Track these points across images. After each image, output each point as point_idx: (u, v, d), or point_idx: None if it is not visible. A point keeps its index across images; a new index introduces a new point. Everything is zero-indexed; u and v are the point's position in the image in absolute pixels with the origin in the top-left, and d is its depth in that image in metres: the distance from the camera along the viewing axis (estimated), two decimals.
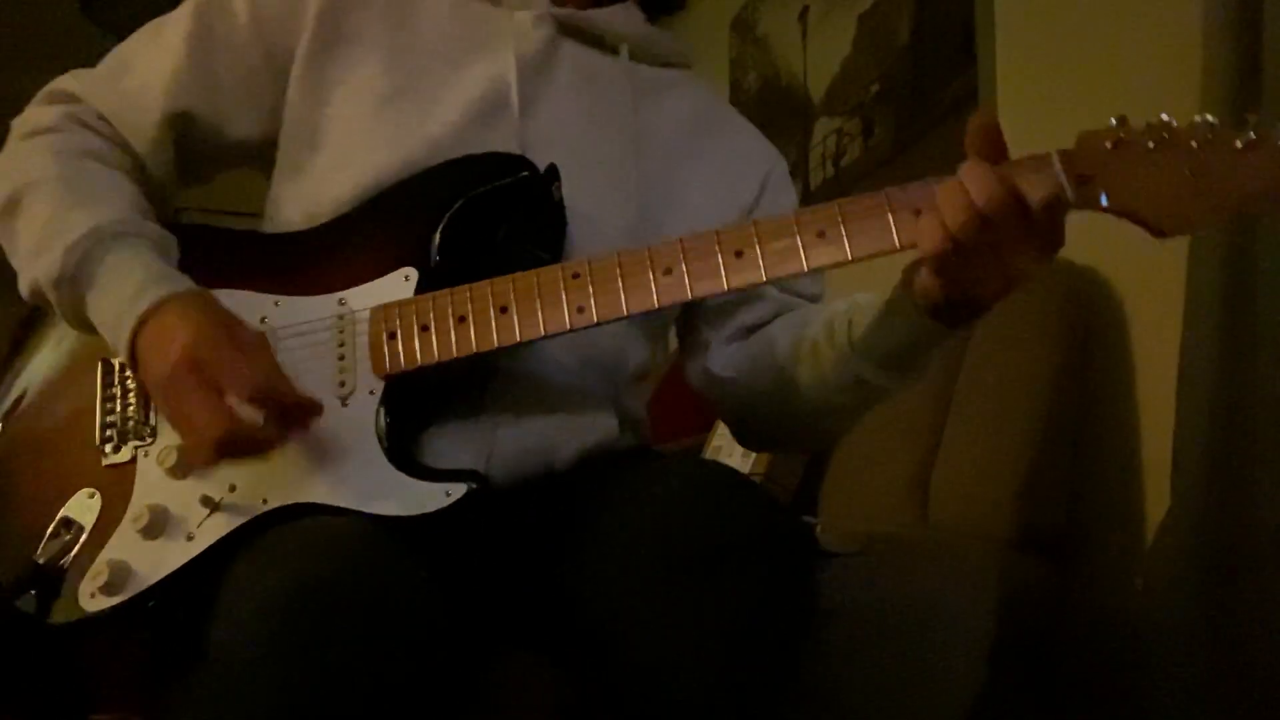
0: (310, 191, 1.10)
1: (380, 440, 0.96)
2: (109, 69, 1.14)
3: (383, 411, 0.97)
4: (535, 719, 1.03)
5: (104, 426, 1.04)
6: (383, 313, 1.00)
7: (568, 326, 0.95)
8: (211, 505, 0.95)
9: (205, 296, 0.98)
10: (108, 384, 1.06)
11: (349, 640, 0.79)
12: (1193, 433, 1.49)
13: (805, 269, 0.92)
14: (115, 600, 0.95)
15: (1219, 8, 1.49)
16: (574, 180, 1.08)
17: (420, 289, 1.00)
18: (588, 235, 1.08)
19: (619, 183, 1.15)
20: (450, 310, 0.97)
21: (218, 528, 0.95)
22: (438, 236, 1.02)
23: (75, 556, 0.99)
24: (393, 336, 0.99)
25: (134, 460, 1.02)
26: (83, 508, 1.01)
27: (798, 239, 0.92)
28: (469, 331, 0.97)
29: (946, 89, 2.31)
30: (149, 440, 1.02)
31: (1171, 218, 0.86)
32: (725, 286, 0.94)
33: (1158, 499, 1.62)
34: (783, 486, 2.08)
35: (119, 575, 0.95)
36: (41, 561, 0.99)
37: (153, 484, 0.99)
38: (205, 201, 1.10)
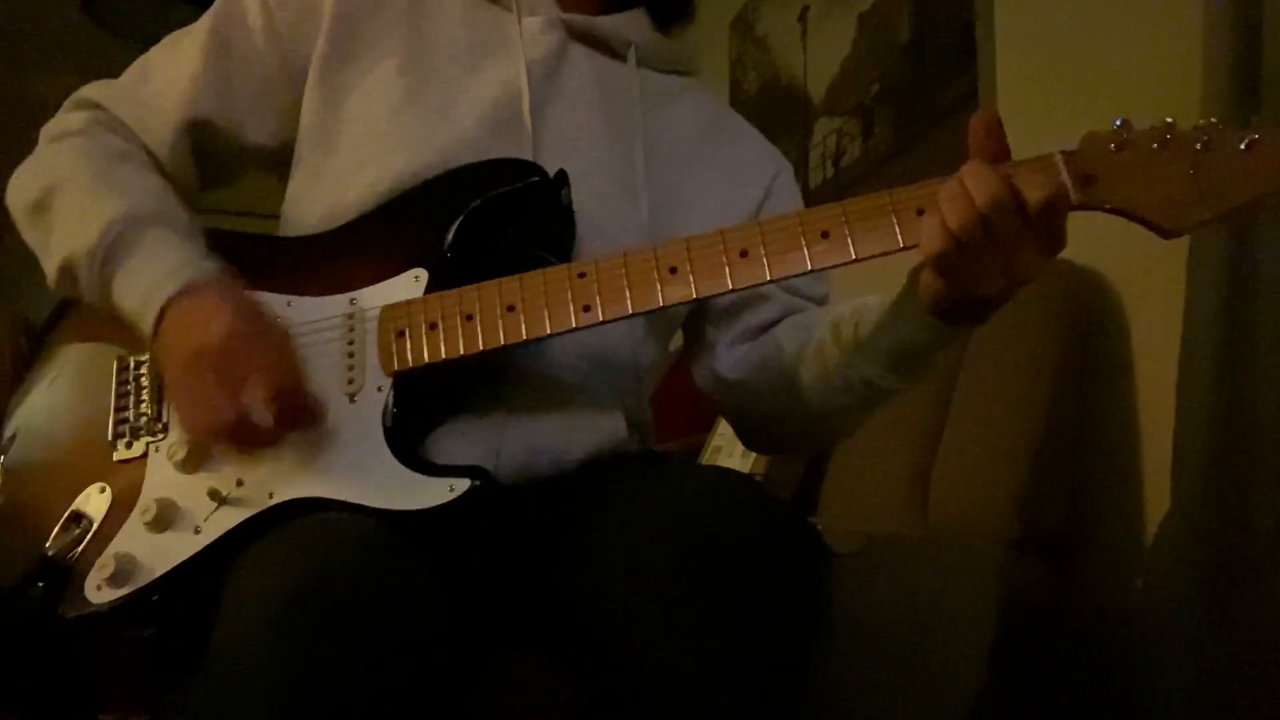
0: (327, 194, 1.11)
1: (386, 436, 0.97)
2: (130, 79, 1.17)
3: (390, 408, 0.98)
4: (537, 719, 1.04)
5: (117, 423, 1.06)
6: (392, 311, 1.01)
7: (573, 325, 0.96)
8: (219, 499, 0.96)
9: (237, 288, 0.99)
10: (122, 381, 1.07)
11: (351, 639, 0.79)
12: (1193, 433, 1.49)
13: (809, 268, 0.93)
14: (121, 592, 0.95)
15: (1219, 8, 1.50)
16: (583, 184, 1.09)
17: (430, 289, 1.01)
18: (597, 239, 1.09)
19: (628, 187, 1.15)
20: (459, 309, 0.98)
21: (224, 521, 0.96)
22: (448, 238, 1.03)
23: (84, 550, 0.99)
24: (401, 335, 0.99)
25: (145, 455, 1.03)
26: (93, 502, 1.02)
27: (802, 239, 0.93)
28: (476, 330, 0.97)
29: (946, 89, 2.32)
30: (161, 436, 1.03)
31: (1174, 217, 0.86)
32: (730, 285, 0.94)
33: (1158, 499, 1.62)
34: (783, 486, 2.08)
35: (125, 567, 0.95)
36: (50, 554, 1.00)
37: (162, 478, 1.01)
38: (213, 203, 1.10)
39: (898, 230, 0.90)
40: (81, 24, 3.74)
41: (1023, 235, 0.86)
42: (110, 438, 1.05)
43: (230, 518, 0.96)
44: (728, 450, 2.26)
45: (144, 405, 1.05)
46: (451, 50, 1.15)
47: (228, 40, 1.14)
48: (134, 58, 1.20)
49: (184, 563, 0.95)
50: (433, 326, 0.98)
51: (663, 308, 0.96)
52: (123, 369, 1.08)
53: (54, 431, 1.11)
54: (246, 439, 0.93)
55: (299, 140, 1.15)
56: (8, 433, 1.12)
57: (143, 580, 0.96)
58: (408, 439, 0.98)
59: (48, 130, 1.13)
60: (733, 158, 1.24)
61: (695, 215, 1.16)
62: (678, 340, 1.29)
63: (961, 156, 0.89)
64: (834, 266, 0.93)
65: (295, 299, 1.05)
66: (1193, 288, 1.52)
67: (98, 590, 0.96)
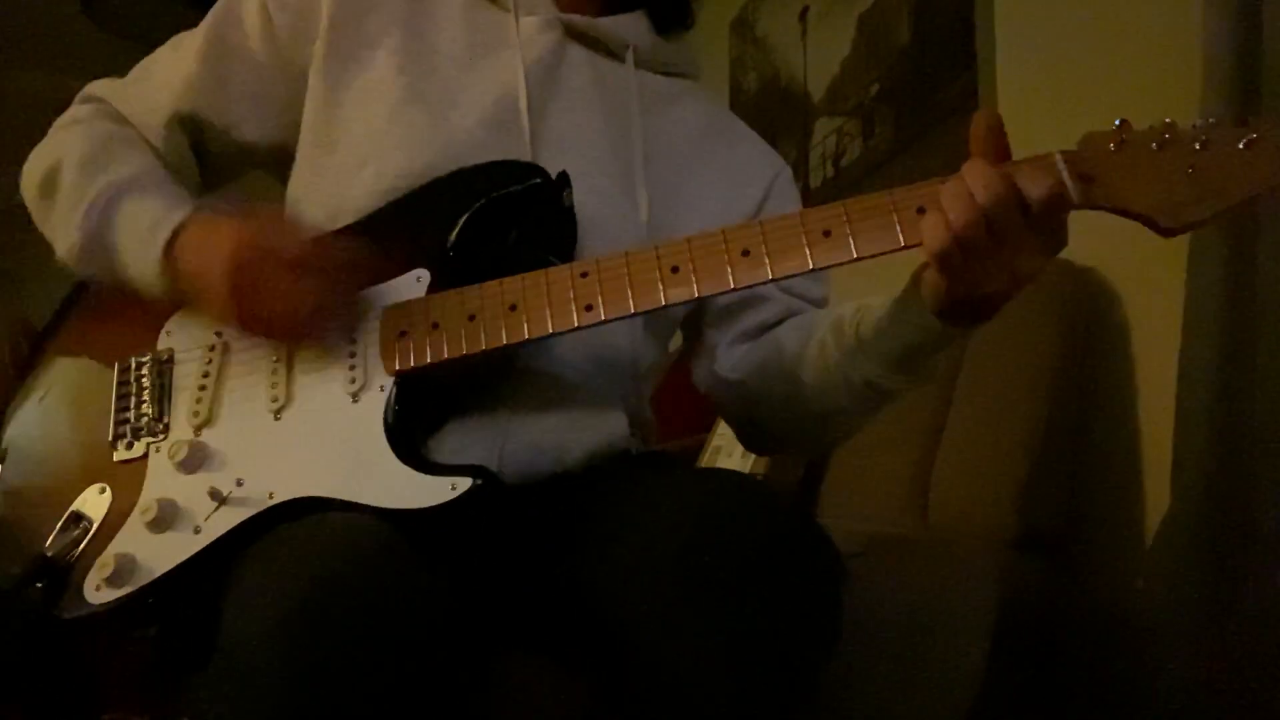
0: (328, 193, 1.12)
1: (388, 436, 0.97)
2: (133, 76, 1.21)
3: (392, 408, 0.98)
4: (539, 719, 1.04)
5: (118, 424, 1.06)
6: (394, 312, 1.01)
7: (575, 325, 0.96)
8: (219, 498, 0.97)
9: (213, 209, 1.03)
10: (122, 383, 1.08)
11: (356, 639, 0.79)
12: (1193, 432, 1.49)
13: (810, 267, 0.93)
14: (120, 593, 0.95)
15: (1219, 8, 1.50)
16: (583, 184, 1.09)
17: (433, 290, 1.02)
18: (597, 239, 1.09)
19: (627, 187, 1.16)
20: (461, 309, 0.99)
21: (225, 521, 0.96)
22: (451, 240, 1.03)
23: (83, 550, 1.00)
24: (404, 335, 1.00)
25: (145, 456, 1.03)
26: (93, 503, 1.03)
27: (803, 238, 0.93)
28: (479, 329, 0.98)
29: (946, 89, 2.32)
30: (161, 436, 1.04)
31: (1174, 216, 0.87)
32: (732, 285, 0.94)
33: (1158, 499, 1.62)
34: (783, 487, 2.08)
35: (125, 567, 0.96)
36: (50, 555, 1.00)
37: (162, 478, 1.01)
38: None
39: (899, 229, 0.91)
40: (81, 24, 3.74)
41: (1025, 234, 0.86)
42: (111, 439, 1.05)
43: (230, 517, 0.96)
44: (728, 450, 2.25)
45: (145, 406, 1.06)
46: (450, 50, 1.16)
47: (225, 41, 1.16)
48: (134, 58, 1.23)
49: (184, 563, 0.95)
50: (435, 326, 0.99)
51: (665, 307, 0.96)
52: (123, 370, 1.08)
53: (46, 446, 1.11)
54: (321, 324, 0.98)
55: (301, 141, 1.16)
56: (19, 427, 1.12)
57: (142, 580, 0.96)
58: (410, 438, 0.98)
59: (58, 122, 1.18)
60: (732, 159, 1.25)
61: (695, 216, 1.16)
62: (678, 340, 1.29)
63: (961, 156, 0.90)
64: (835, 265, 0.93)
65: None
66: (1193, 288, 1.52)
67: (97, 590, 0.96)
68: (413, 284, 1.02)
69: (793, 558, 0.88)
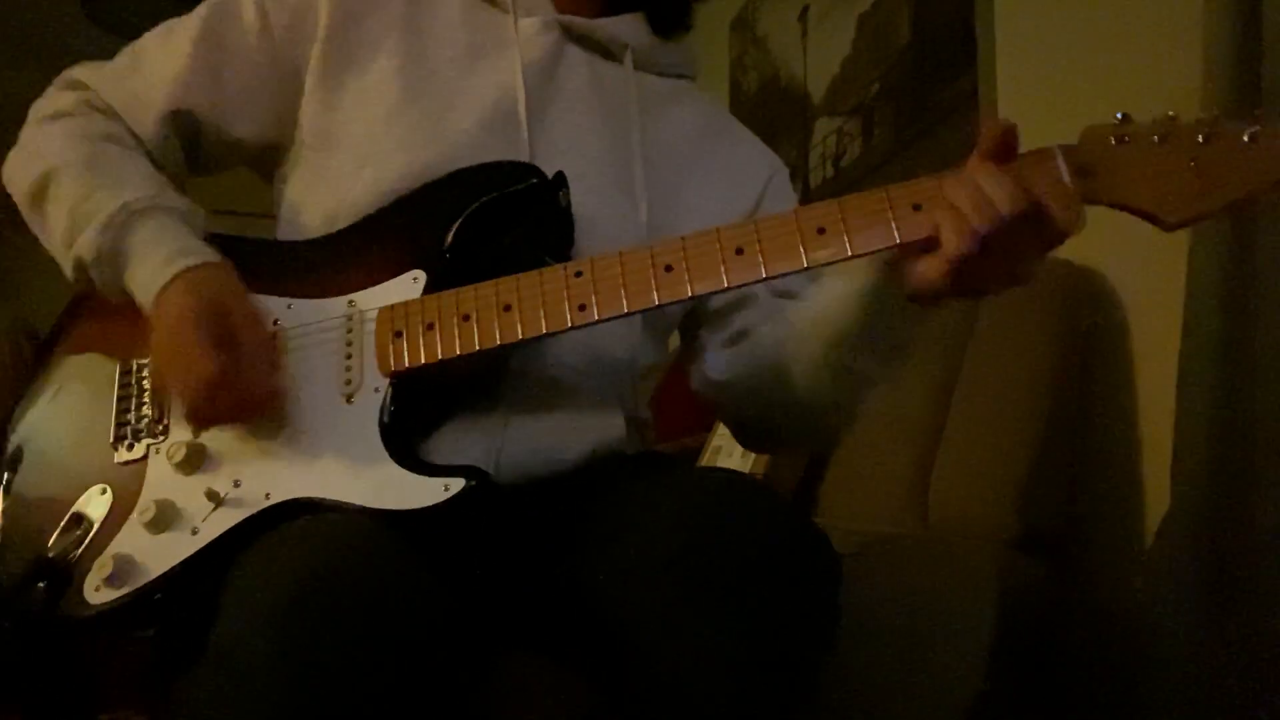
0: (327, 195, 1.12)
1: (383, 437, 0.97)
2: (121, 64, 1.18)
3: (387, 409, 0.98)
4: (539, 719, 1.03)
5: (119, 425, 1.06)
6: (390, 312, 1.01)
7: (569, 325, 0.96)
8: (216, 500, 0.97)
9: (215, 272, 1.01)
10: (124, 384, 1.08)
11: (350, 637, 0.79)
12: (1193, 433, 1.49)
13: (805, 265, 0.92)
14: (119, 593, 0.96)
15: (1219, 8, 1.50)
16: (581, 185, 1.09)
17: (428, 291, 1.01)
18: (594, 240, 1.09)
19: (625, 188, 1.16)
20: (455, 309, 0.98)
21: (222, 522, 0.96)
22: (447, 241, 1.03)
23: (84, 551, 1.00)
24: (399, 335, 1.00)
25: (146, 457, 1.03)
26: (94, 503, 1.03)
27: (798, 236, 0.92)
28: (473, 330, 0.97)
29: (946, 89, 2.32)
30: (161, 438, 1.04)
31: (1176, 210, 0.86)
32: (725, 283, 0.94)
33: (1158, 499, 1.62)
34: (783, 487, 2.08)
35: (124, 568, 0.96)
36: (51, 556, 1.00)
37: (161, 479, 1.01)
38: (206, 201, 1.11)
39: (894, 227, 0.90)
40: (81, 24, 3.74)
41: (1035, 237, 0.87)
42: (112, 440, 1.06)
43: (228, 518, 0.96)
44: (727, 450, 2.25)
45: (145, 407, 1.06)
46: (449, 51, 1.16)
47: (220, 35, 1.15)
48: None
49: (182, 563, 0.96)
50: (430, 327, 0.99)
51: (658, 306, 0.95)
52: (125, 372, 1.09)
53: (58, 443, 1.11)
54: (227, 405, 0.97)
55: (299, 143, 1.16)
56: (11, 447, 1.12)
57: (140, 581, 0.96)
58: (406, 440, 0.98)
59: (37, 109, 1.15)
60: (730, 160, 1.25)
61: (694, 217, 1.16)
62: (676, 340, 1.29)
63: (961, 156, 0.89)
64: (830, 263, 0.93)
65: (295, 301, 1.06)
66: (1193, 288, 1.51)
67: (96, 591, 0.96)
68: (409, 284, 1.02)
69: (791, 558, 0.88)
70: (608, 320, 0.96)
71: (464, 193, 1.05)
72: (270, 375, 0.99)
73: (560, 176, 1.08)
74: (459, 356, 0.97)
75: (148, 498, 0.99)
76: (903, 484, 1.87)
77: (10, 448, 1.11)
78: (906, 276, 0.93)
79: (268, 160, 1.20)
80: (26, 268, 1.13)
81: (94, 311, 1.13)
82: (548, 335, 0.97)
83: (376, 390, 0.99)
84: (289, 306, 1.05)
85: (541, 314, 0.96)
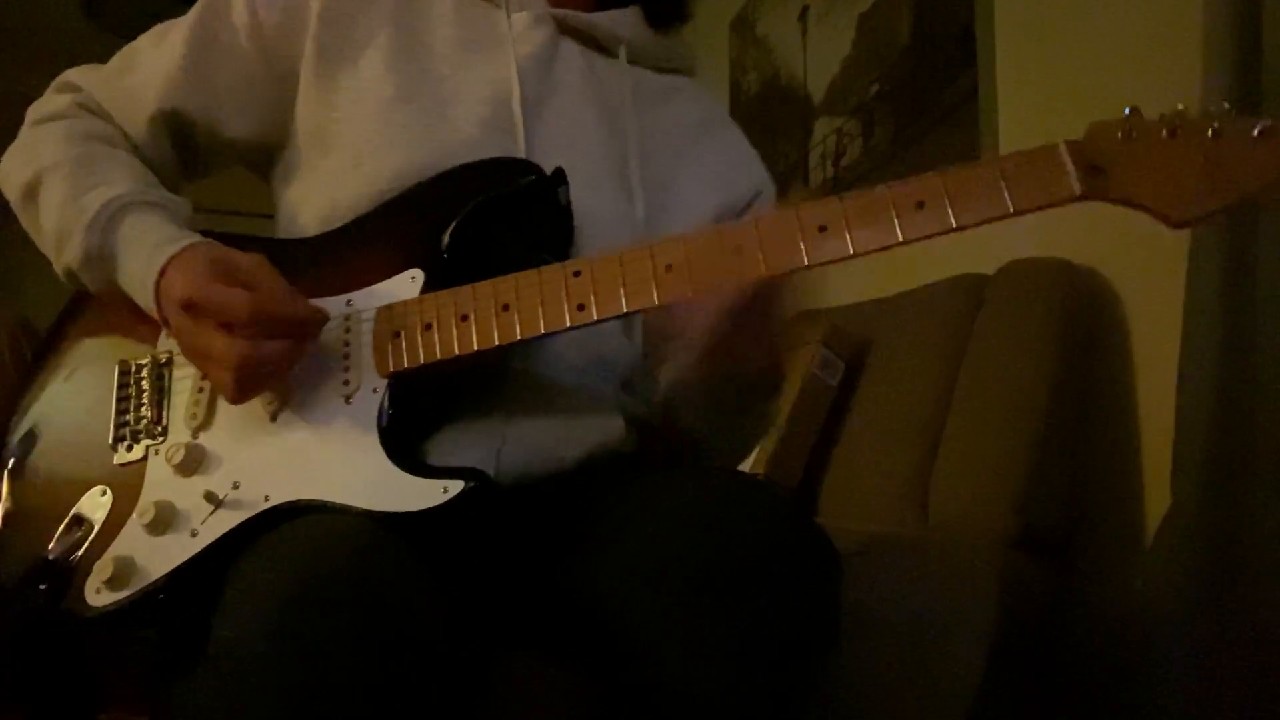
0: (323, 195, 1.11)
1: (381, 438, 0.96)
2: (114, 66, 1.18)
3: (385, 410, 0.97)
4: (539, 719, 1.04)
5: (118, 426, 1.06)
6: (388, 312, 1.00)
7: (568, 324, 0.95)
8: (215, 501, 0.96)
9: (204, 246, 1.00)
10: (123, 385, 1.07)
11: (348, 637, 0.79)
12: (1193, 433, 1.49)
13: (806, 264, 0.91)
14: (119, 595, 0.95)
15: (1219, 8, 1.50)
16: (579, 182, 1.08)
17: (427, 290, 1.00)
18: (591, 236, 1.08)
19: (622, 183, 1.15)
20: (454, 309, 0.98)
21: (221, 524, 0.96)
22: (445, 239, 1.02)
23: (84, 553, 0.99)
24: (397, 336, 0.99)
25: (145, 458, 1.03)
26: (94, 505, 1.02)
27: (799, 235, 0.91)
28: (471, 330, 0.97)
29: (946, 89, 2.32)
30: (160, 439, 1.03)
31: (1184, 207, 0.85)
32: None
33: (1158, 499, 1.62)
34: (782, 486, 2.08)
35: (124, 570, 0.95)
36: (52, 558, 1.00)
37: (161, 481, 1.00)
38: (206, 201, 1.11)
39: (897, 226, 0.89)
40: (81, 24, 3.75)
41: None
42: (111, 441, 1.05)
43: (227, 520, 0.96)
44: None
45: (144, 408, 1.05)
46: (442, 48, 1.15)
47: (211, 35, 1.15)
48: None
49: (181, 566, 0.95)
50: (428, 327, 0.98)
51: (658, 306, 0.94)
52: (123, 372, 1.08)
53: (58, 444, 1.11)
54: (268, 368, 0.96)
55: (295, 144, 1.15)
56: (22, 430, 1.12)
57: (140, 583, 0.95)
58: (404, 441, 0.97)
59: (34, 111, 1.16)
60: (723, 159, 1.25)
61: (687, 212, 1.16)
62: None
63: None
64: (831, 262, 0.92)
65: None
66: (1193, 288, 1.52)
67: (97, 593, 0.96)
68: (407, 284, 1.01)
69: (791, 557, 0.88)
70: (607, 320, 0.95)
71: (462, 190, 1.05)
72: (300, 298, 0.98)
73: (559, 173, 1.07)
74: (457, 357, 0.97)
75: (147, 499, 0.99)
76: (903, 484, 1.88)
77: (10, 448, 1.11)
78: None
79: (263, 160, 1.19)
80: (26, 266, 1.13)
81: (92, 311, 1.13)
82: (547, 335, 0.96)
83: (375, 391, 0.98)
84: None
85: (540, 314, 0.95)
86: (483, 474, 0.94)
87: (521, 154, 1.10)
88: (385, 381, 0.98)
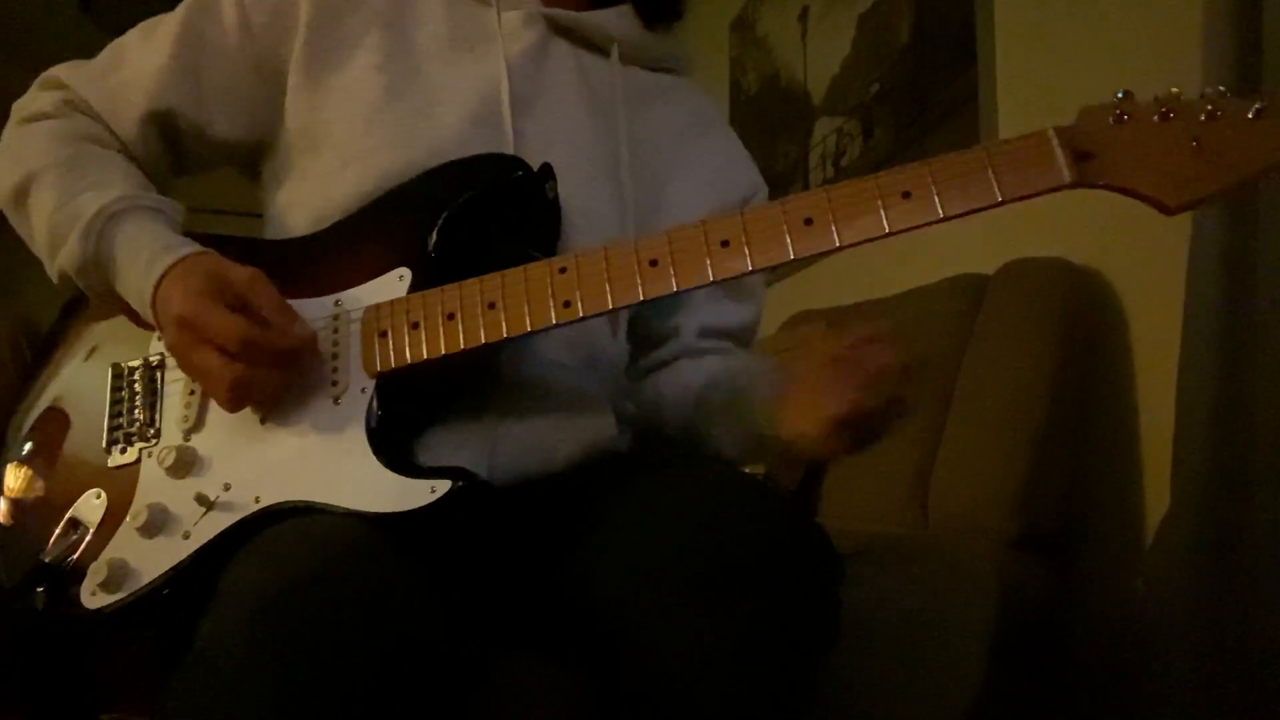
0: (313, 195, 1.11)
1: (369, 438, 0.96)
2: (101, 63, 1.17)
3: (373, 410, 0.97)
4: (539, 719, 1.03)
5: (111, 429, 1.06)
6: (375, 312, 1.00)
7: (554, 322, 0.94)
8: (206, 504, 0.96)
9: (200, 259, 1.00)
10: (116, 388, 1.07)
11: (335, 637, 0.78)
12: (1193, 432, 1.49)
13: (791, 257, 0.90)
14: (114, 598, 0.95)
15: (1219, 10, 1.49)
16: (568, 179, 1.08)
17: (414, 289, 1.00)
18: (582, 233, 1.08)
19: (612, 181, 1.15)
20: (440, 308, 0.97)
21: (213, 525, 0.96)
22: (433, 237, 1.02)
23: (80, 555, 1.00)
24: (384, 335, 0.98)
25: (139, 461, 1.03)
26: (89, 508, 1.02)
27: (784, 227, 0.90)
28: (457, 328, 0.96)
29: (946, 89, 2.31)
30: (153, 441, 1.03)
31: (1178, 192, 0.83)
32: (711, 277, 0.91)
33: (1158, 499, 1.62)
34: (783, 487, 2.08)
35: (118, 573, 0.95)
36: (48, 560, 1.00)
37: (153, 483, 1.01)
38: (203, 201, 1.11)
39: (883, 216, 0.88)
40: (81, 24, 3.75)
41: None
42: (105, 444, 1.05)
43: (218, 522, 0.96)
44: None
45: (137, 411, 1.05)
46: (431, 47, 1.15)
47: (200, 33, 1.14)
48: None
49: (174, 567, 0.95)
50: (415, 326, 0.97)
51: (643, 302, 0.93)
52: (117, 375, 1.08)
53: (55, 431, 1.11)
54: (260, 387, 0.96)
55: (285, 144, 1.15)
56: (43, 405, 1.11)
57: (134, 586, 0.95)
58: (393, 441, 0.97)
59: (19, 109, 1.15)
60: (715, 158, 1.25)
61: (678, 211, 1.16)
62: None
63: None
64: (818, 255, 0.91)
65: None
66: (1193, 287, 1.51)
67: (93, 596, 0.96)
68: (394, 283, 1.01)
69: (792, 556, 0.87)
70: (593, 317, 0.94)
71: (449, 188, 1.04)
72: (296, 320, 0.98)
73: (546, 169, 1.06)
74: (444, 356, 0.97)
75: (140, 502, 0.99)
76: (903, 484, 1.88)
77: (9, 448, 1.11)
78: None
79: (252, 160, 1.19)
80: (27, 267, 1.13)
81: (89, 314, 1.13)
82: (534, 333, 0.96)
83: (363, 391, 0.98)
84: None
85: (526, 311, 0.95)
86: (471, 474, 0.93)
87: (510, 151, 1.10)
88: (373, 382, 0.98)
